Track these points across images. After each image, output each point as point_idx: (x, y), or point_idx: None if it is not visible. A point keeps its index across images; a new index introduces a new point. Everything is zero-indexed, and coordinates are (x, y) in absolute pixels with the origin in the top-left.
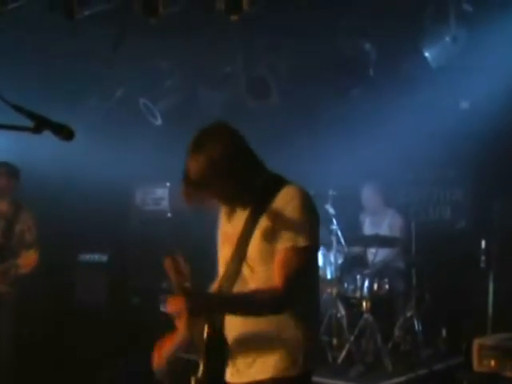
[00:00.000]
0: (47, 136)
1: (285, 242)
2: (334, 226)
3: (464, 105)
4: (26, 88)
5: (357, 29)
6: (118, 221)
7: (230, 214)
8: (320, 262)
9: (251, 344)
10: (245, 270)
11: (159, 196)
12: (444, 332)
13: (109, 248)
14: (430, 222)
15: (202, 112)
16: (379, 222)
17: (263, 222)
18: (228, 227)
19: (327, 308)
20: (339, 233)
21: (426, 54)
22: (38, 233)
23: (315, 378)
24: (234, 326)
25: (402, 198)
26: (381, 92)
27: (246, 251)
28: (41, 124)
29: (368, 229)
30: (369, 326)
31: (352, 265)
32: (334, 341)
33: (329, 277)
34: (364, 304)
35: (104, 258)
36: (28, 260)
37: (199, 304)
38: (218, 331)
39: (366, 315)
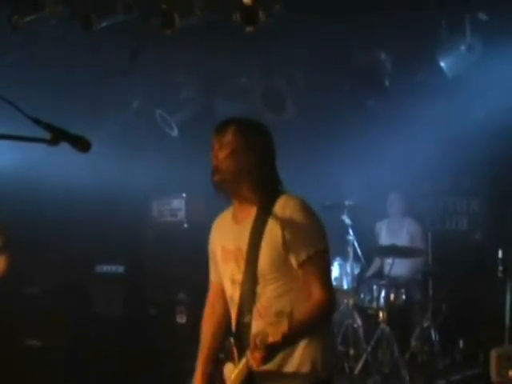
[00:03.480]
0: (64, 147)
1: (307, 251)
2: (351, 237)
3: (480, 113)
4: (43, 100)
5: (372, 39)
6: (135, 232)
7: (229, 228)
8: (336, 272)
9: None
10: (258, 288)
11: (176, 207)
12: (461, 342)
13: (125, 259)
14: (446, 232)
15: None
16: (397, 230)
17: (269, 234)
18: (227, 243)
19: (344, 319)
20: (356, 243)
21: (442, 64)
22: (5, 240)
23: None
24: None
25: (418, 207)
26: (397, 102)
27: (257, 267)
28: (58, 136)
29: (385, 238)
30: (385, 337)
31: (370, 276)
32: (351, 351)
33: (345, 287)
34: (381, 314)
35: (121, 269)
36: None
37: (274, 355)
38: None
39: (382, 326)
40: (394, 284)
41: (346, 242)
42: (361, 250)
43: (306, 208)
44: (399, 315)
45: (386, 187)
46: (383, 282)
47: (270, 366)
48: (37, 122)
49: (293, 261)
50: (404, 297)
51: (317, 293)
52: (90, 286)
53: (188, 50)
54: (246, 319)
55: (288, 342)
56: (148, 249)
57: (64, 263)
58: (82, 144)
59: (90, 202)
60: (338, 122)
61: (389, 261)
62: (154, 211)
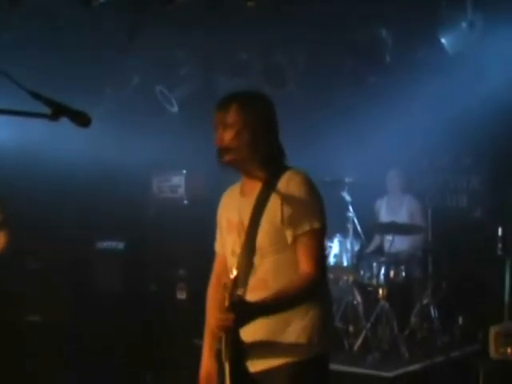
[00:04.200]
0: (65, 123)
1: (302, 227)
2: (351, 213)
3: (481, 91)
4: (42, 76)
5: (373, 15)
6: (135, 208)
7: (235, 201)
8: (336, 249)
9: (266, 331)
10: (255, 260)
11: (176, 183)
12: (460, 319)
13: (126, 236)
14: (446, 210)
15: (219, 99)
16: (397, 208)
17: (270, 209)
18: (232, 215)
19: (343, 295)
20: (355, 220)
21: (443, 41)
22: (5, 215)
23: (331, 365)
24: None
25: (417, 185)
26: (397, 79)
27: (256, 240)
28: (58, 111)
29: (385, 215)
30: (385, 314)
31: (370, 252)
32: (351, 328)
33: (345, 264)
34: (380, 291)
35: (121, 245)
36: None
37: (248, 318)
38: (238, 332)
39: (382, 302)
40: (393, 261)
41: (346, 219)
42: (361, 227)
43: (307, 185)
44: (399, 292)
45: (386, 164)
46: (383, 258)
47: (262, 337)
48: (36, 96)
49: (288, 236)
50: (404, 274)
51: (304, 267)
52: (91, 263)
53: (188, 25)
54: (240, 291)
55: (264, 309)
56: (148, 225)
57: (64, 239)
58: (82, 119)
59: (90, 178)
60: (338, 99)
61: (389, 238)
62: (154, 188)
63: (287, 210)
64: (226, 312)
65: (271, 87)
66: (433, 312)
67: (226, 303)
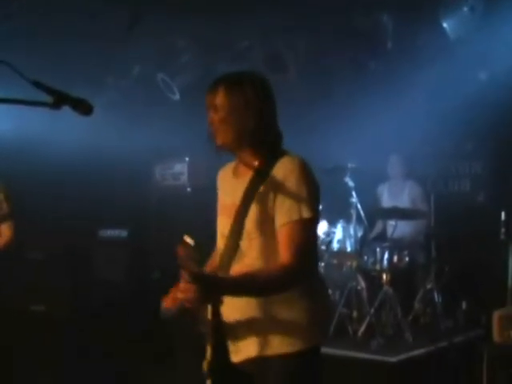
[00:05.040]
0: (66, 113)
1: (290, 215)
2: (354, 199)
3: (482, 76)
4: (43, 66)
5: (374, 1)
6: (138, 196)
7: (229, 182)
8: (340, 234)
9: (254, 320)
10: (242, 244)
11: (178, 171)
12: (464, 304)
13: (129, 224)
14: (449, 195)
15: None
16: (398, 193)
17: (262, 193)
18: (226, 198)
19: (347, 281)
20: (359, 205)
21: (444, 25)
22: (11, 208)
23: (335, 351)
24: (236, 302)
25: (420, 170)
26: (398, 64)
27: (244, 223)
28: (60, 99)
29: (387, 201)
30: (389, 299)
31: (373, 238)
32: (354, 313)
33: (348, 249)
34: (384, 277)
35: (124, 233)
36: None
37: (211, 291)
38: (217, 312)
39: (385, 288)
40: (397, 246)
41: (349, 205)
42: (364, 213)
43: (303, 171)
44: (402, 277)
45: (388, 150)
46: (386, 244)
47: (247, 326)
48: (38, 85)
49: (276, 222)
50: (407, 259)
51: (285, 257)
52: (94, 251)
53: (188, 13)
54: (224, 273)
55: (230, 285)
56: (151, 213)
57: (67, 229)
58: (84, 107)
59: (92, 167)
60: (339, 85)
61: (392, 223)
62: (157, 175)
63: (279, 196)
64: (186, 282)
65: (272, 74)
66: (436, 297)
67: (186, 274)
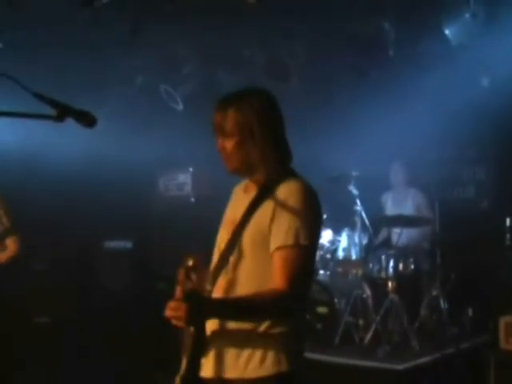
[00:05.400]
0: (69, 124)
1: (287, 239)
2: (358, 207)
3: (485, 82)
4: (46, 77)
5: (375, 8)
6: (142, 207)
7: (238, 197)
8: (345, 242)
9: (226, 338)
10: (232, 259)
11: (182, 181)
12: (470, 310)
13: (133, 235)
14: (453, 201)
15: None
16: (402, 200)
17: (261, 212)
18: (231, 211)
19: (353, 289)
20: (363, 213)
21: (446, 32)
22: (13, 221)
23: (342, 359)
24: (216, 321)
25: (424, 177)
26: (400, 71)
27: (239, 240)
28: (63, 111)
29: (391, 209)
30: (395, 306)
31: (378, 246)
32: (360, 321)
33: (354, 258)
34: (389, 284)
35: (129, 244)
36: (5, 254)
37: (200, 312)
38: (202, 331)
39: (391, 295)
40: (402, 253)
41: (354, 213)
42: (368, 221)
43: (306, 197)
44: (408, 284)
45: (392, 157)
46: (391, 251)
47: (223, 344)
48: (41, 97)
49: (271, 244)
50: (412, 266)
51: (278, 282)
52: (99, 262)
53: (188, 23)
54: (209, 287)
55: (221, 308)
56: (155, 224)
57: (72, 240)
58: (87, 119)
59: (96, 178)
60: (342, 93)
61: (396, 230)
62: (161, 186)
63: (277, 217)
64: (178, 301)
65: (273, 82)
66: (442, 304)
67: (179, 292)
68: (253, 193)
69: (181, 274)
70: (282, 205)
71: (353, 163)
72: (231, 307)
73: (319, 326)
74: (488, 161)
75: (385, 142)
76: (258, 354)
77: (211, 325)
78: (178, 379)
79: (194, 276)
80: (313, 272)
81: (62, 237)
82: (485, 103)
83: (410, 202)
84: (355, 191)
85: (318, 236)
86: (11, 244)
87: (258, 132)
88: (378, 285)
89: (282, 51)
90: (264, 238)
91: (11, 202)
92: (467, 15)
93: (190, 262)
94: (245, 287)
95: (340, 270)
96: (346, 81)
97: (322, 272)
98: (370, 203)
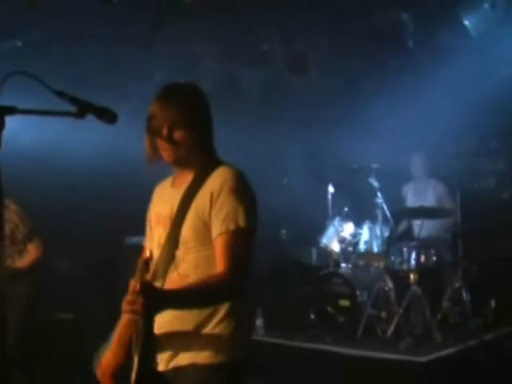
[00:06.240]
0: (88, 121)
1: (226, 225)
2: (379, 200)
3: (505, 72)
4: (65, 75)
5: (394, 0)
6: None
7: (166, 193)
8: (366, 235)
9: (178, 331)
10: (178, 252)
11: None
12: (492, 302)
13: None
14: (474, 193)
15: (243, 91)
16: (423, 192)
17: (198, 202)
18: (161, 208)
19: (375, 282)
20: (384, 206)
21: (466, 22)
22: (31, 224)
23: (365, 352)
24: (164, 312)
25: (444, 169)
26: (420, 63)
27: (180, 232)
28: (84, 108)
29: (411, 201)
30: (417, 299)
31: (399, 238)
32: (383, 314)
33: (375, 250)
34: (411, 276)
35: None
36: (26, 259)
37: (157, 303)
38: (151, 324)
39: (413, 287)
40: (424, 245)
41: (375, 205)
42: (389, 213)
43: (240, 182)
44: (430, 276)
45: (412, 149)
46: (413, 243)
47: (173, 334)
48: (61, 95)
49: (213, 231)
50: (434, 258)
51: (221, 267)
52: (120, 258)
53: (208, 18)
54: (159, 284)
55: (175, 298)
56: None
57: (93, 237)
58: (108, 115)
59: (117, 175)
60: (362, 85)
61: (418, 222)
62: None
63: (215, 205)
64: (135, 294)
65: (294, 76)
66: (465, 295)
67: (137, 285)
68: (184, 185)
69: (140, 264)
70: (218, 192)
71: (373, 155)
72: (182, 297)
73: (341, 319)
74: (509, 151)
75: (405, 133)
76: (211, 341)
77: (163, 319)
78: (133, 375)
79: (150, 267)
80: (252, 254)
81: (84, 234)
82: (505, 93)
83: (430, 193)
84: (376, 183)
85: (256, 219)
86: (32, 249)
87: (196, 124)
88: (400, 277)
89: (303, 45)
90: (206, 227)
91: (30, 202)
92: (486, 5)
93: (148, 253)
94: (196, 278)
95: (362, 262)
96: (365, 73)
97: (343, 265)
98: (391, 195)
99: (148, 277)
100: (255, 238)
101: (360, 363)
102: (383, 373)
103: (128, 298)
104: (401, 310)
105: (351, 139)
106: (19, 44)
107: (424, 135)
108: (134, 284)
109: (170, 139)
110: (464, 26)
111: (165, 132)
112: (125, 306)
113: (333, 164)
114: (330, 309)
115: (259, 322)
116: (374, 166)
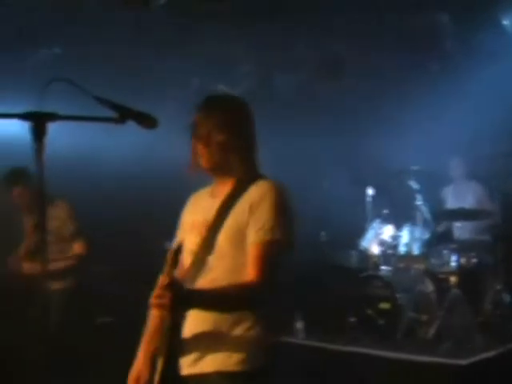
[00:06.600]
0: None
1: (262, 235)
2: (419, 202)
3: None
4: (103, 79)
5: (432, 1)
6: None
7: (203, 202)
8: (406, 238)
9: (204, 336)
10: (211, 258)
11: None
12: None
13: None
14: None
15: (279, 95)
16: (463, 194)
17: (237, 211)
18: (197, 215)
19: (415, 284)
20: (424, 208)
21: (504, 22)
22: (78, 224)
23: (405, 355)
24: (191, 317)
25: (484, 170)
26: (458, 64)
27: (216, 239)
28: (124, 114)
29: (451, 203)
30: (458, 301)
31: (439, 240)
32: (423, 317)
33: (415, 253)
34: (452, 279)
35: None
36: (70, 257)
37: (184, 300)
38: (178, 323)
39: (454, 290)
40: (464, 248)
41: (415, 208)
42: (429, 215)
43: (280, 196)
44: (470, 279)
45: (451, 150)
46: (453, 245)
47: (199, 339)
48: (102, 101)
49: (247, 240)
50: (475, 260)
51: (252, 275)
52: (161, 262)
53: (242, 23)
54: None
55: (203, 298)
56: None
57: (133, 240)
58: (148, 121)
59: (155, 179)
60: (401, 87)
61: (458, 224)
62: None
63: (253, 216)
64: (164, 288)
65: (329, 80)
66: (505, 298)
67: (166, 279)
68: (223, 195)
69: (169, 258)
70: (257, 203)
71: (411, 158)
72: (208, 298)
73: (381, 321)
74: None
75: (445, 135)
76: (237, 348)
77: (190, 323)
78: (156, 377)
79: (179, 260)
80: (280, 266)
81: (124, 238)
82: None
83: (470, 195)
84: (415, 186)
85: (292, 233)
86: (77, 248)
87: (237, 133)
88: (440, 280)
89: (338, 48)
90: (242, 236)
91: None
92: None
93: (178, 246)
94: (225, 283)
95: (402, 265)
96: (403, 75)
97: (383, 268)
98: (430, 197)
99: (177, 271)
100: (289, 252)
101: (400, 366)
102: (423, 376)
103: (156, 292)
104: (441, 313)
105: (390, 142)
106: (57, 51)
107: (462, 136)
108: (162, 278)
109: (208, 143)
110: (502, 26)
111: (204, 136)
112: (153, 300)
113: (372, 167)
114: (369, 311)
115: (299, 325)
116: (414, 168)
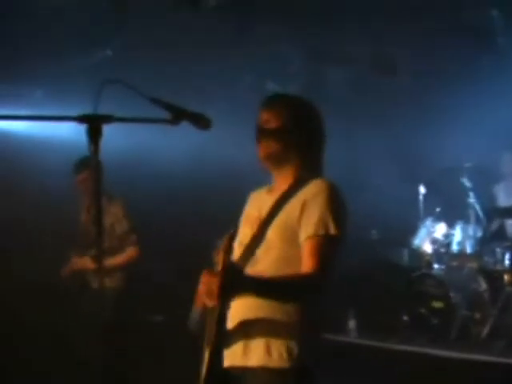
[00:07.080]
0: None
1: (317, 229)
2: (472, 199)
3: None
4: (154, 81)
5: None
6: None
7: (260, 198)
8: (459, 236)
9: (249, 329)
10: (259, 251)
11: None
12: None
13: None
14: None
15: (330, 92)
16: None
17: (290, 207)
18: (253, 209)
19: (468, 283)
20: (477, 206)
21: None
22: (132, 223)
23: (459, 354)
24: (237, 310)
25: None
26: (510, 59)
27: (266, 233)
28: (178, 115)
29: (504, 200)
30: (511, 300)
31: (492, 238)
32: (477, 315)
33: (468, 251)
34: (505, 277)
35: None
36: (125, 257)
37: (236, 284)
38: (225, 312)
39: (508, 288)
40: None
41: (467, 205)
42: (482, 212)
43: (333, 194)
44: None
45: (503, 147)
46: (507, 243)
47: (245, 332)
48: (156, 102)
49: (301, 236)
50: None
51: (307, 267)
52: (212, 260)
53: (292, 20)
54: None
55: (257, 285)
56: None
57: (185, 240)
58: (203, 122)
59: (207, 179)
60: (452, 83)
61: (511, 222)
62: None
63: (306, 212)
64: (214, 275)
65: (381, 76)
66: None
67: (220, 265)
68: (279, 193)
69: (225, 241)
70: (311, 200)
71: (464, 154)
72: (264, 284)
73: (435, 320)
74: None
75: (495, 131)
76: (283, 344)
77: (234, 315)
78: (203, 369)
79: (232, 248)
80: (335, 261)
81: (175, 237)
82: None
83: None
84: (468, 183)
85: (345, 229)
86: (130, 250)
87: (302, 133)
88: (494, 278)
89: (390, 44)
90: (292, 231)
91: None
92: None
93: (232, 233)
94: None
95: (455, 263)
96: (454, 71)
97: (436, 266)
98: (482, 194)
99: (231, 256)
100: (341, 247)
101: (453, 365)
102: (478, 375)
103: (204, 278)
104: (495, 312)
105: (441, 139)
106: (109, 53)
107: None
108: (219, 258)
109: (265, 131)
110: None
111: (270, 132)
112: (201, 288)
113: (424, 164)
114: (423, 310)
115: (352, 323)
116: (466, 165)
